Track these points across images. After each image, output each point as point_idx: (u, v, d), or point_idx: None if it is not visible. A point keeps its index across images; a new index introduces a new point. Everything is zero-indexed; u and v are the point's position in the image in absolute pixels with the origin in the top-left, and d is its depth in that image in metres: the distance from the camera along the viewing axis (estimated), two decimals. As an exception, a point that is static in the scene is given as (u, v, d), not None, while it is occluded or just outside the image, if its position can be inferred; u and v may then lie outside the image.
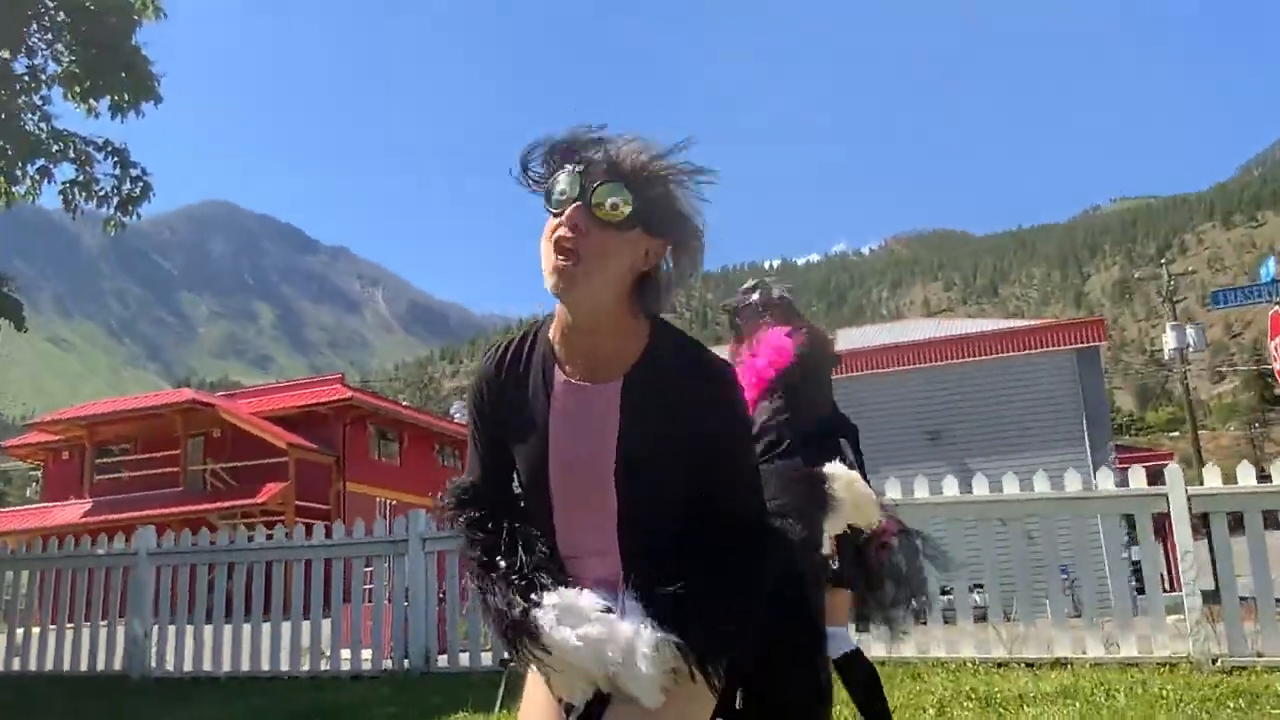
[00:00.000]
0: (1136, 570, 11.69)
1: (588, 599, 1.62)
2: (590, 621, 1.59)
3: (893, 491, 6.34)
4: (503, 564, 1.71)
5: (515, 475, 1.80)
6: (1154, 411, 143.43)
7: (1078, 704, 4.43)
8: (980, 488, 6.69)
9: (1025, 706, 4.33)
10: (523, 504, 1.79)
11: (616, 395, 1.67)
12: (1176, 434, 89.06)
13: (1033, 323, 34.61)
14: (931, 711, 4.55)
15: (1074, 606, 8.18)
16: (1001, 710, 4.44)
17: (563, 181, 1.59)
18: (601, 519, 1.69)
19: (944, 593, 6.77)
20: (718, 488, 1.69)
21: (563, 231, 1.56)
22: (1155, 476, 6.62)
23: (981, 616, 6.82)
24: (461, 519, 1.82)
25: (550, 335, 1.73)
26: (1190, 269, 63.50)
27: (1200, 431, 38.80)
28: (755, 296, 3.67)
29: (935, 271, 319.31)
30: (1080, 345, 26.18)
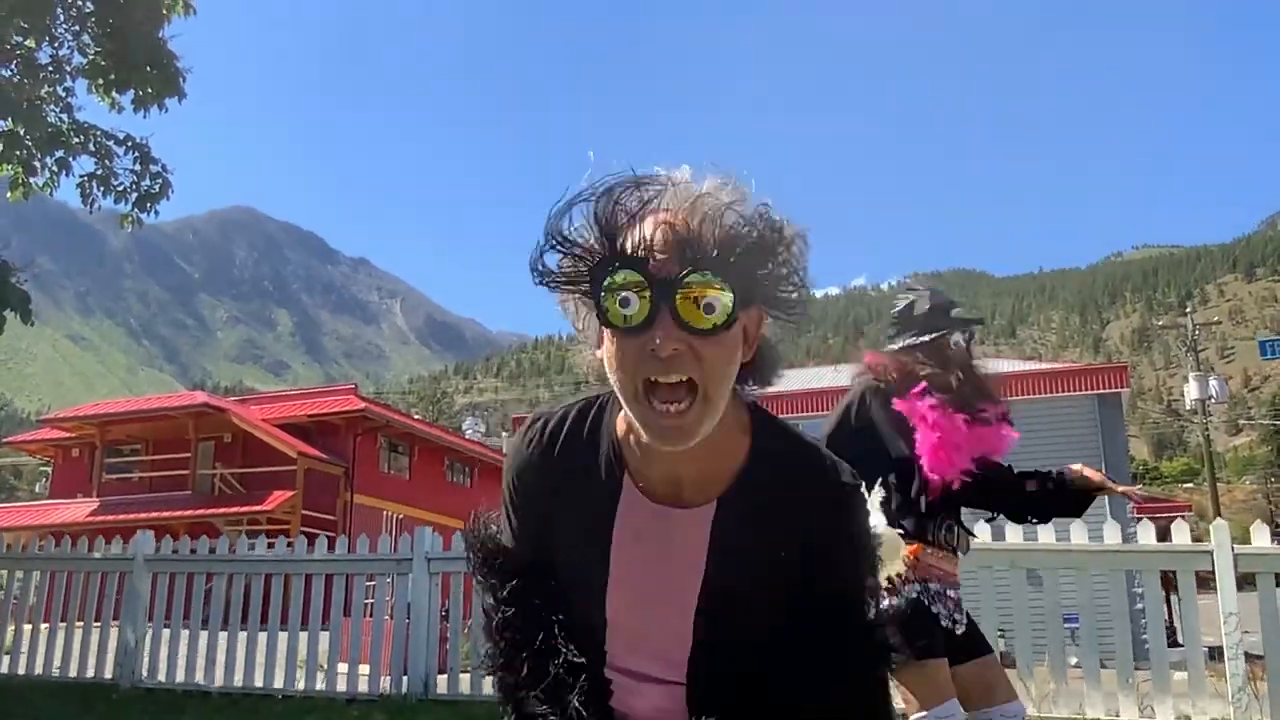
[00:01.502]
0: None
1: None
2: None
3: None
4: (532, 679, 1.40)
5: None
6: (1169, 462, 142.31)
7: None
8: (1014, 535, 6.38)
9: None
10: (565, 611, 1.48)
11: (707, 525, 1.33)
12: (1191, 485, 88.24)
13: (1056, 365, 34.34)
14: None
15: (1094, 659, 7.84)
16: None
17: (629, 292, 1.16)
18: (669, 646, 1.39)
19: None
20: (822, 624, 1.33)
21: (669, 374, 1.16)
22: (1163, 533, 6.32)
23: (1010, 664, 6.49)
24: (493, 581, 1.47)
25: (618, 432, 1.37)
26: (1215, 319, 62.97)
27: (1217, 484, 38.29)
28: (928, 304, 3.21)
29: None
30: (1102, 390, 25.88)
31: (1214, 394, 36.16)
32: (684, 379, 1.16)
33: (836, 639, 1.33)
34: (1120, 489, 3.11)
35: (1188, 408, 43.45)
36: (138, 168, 9.97)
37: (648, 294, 1.15)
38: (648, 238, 1.16)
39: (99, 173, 9.86)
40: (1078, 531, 6.27)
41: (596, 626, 1.41)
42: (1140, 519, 7.18)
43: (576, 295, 1.22)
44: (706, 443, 1.24)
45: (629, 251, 1.16)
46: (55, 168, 9.84)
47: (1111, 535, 6.23)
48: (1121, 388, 27.13)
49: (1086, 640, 6.31)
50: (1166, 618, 6.93)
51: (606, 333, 1.21)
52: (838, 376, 32.97)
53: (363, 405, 32.55)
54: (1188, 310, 44.73)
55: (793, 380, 34.02)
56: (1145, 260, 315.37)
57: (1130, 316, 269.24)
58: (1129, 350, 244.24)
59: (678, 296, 1.14)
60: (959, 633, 2.95)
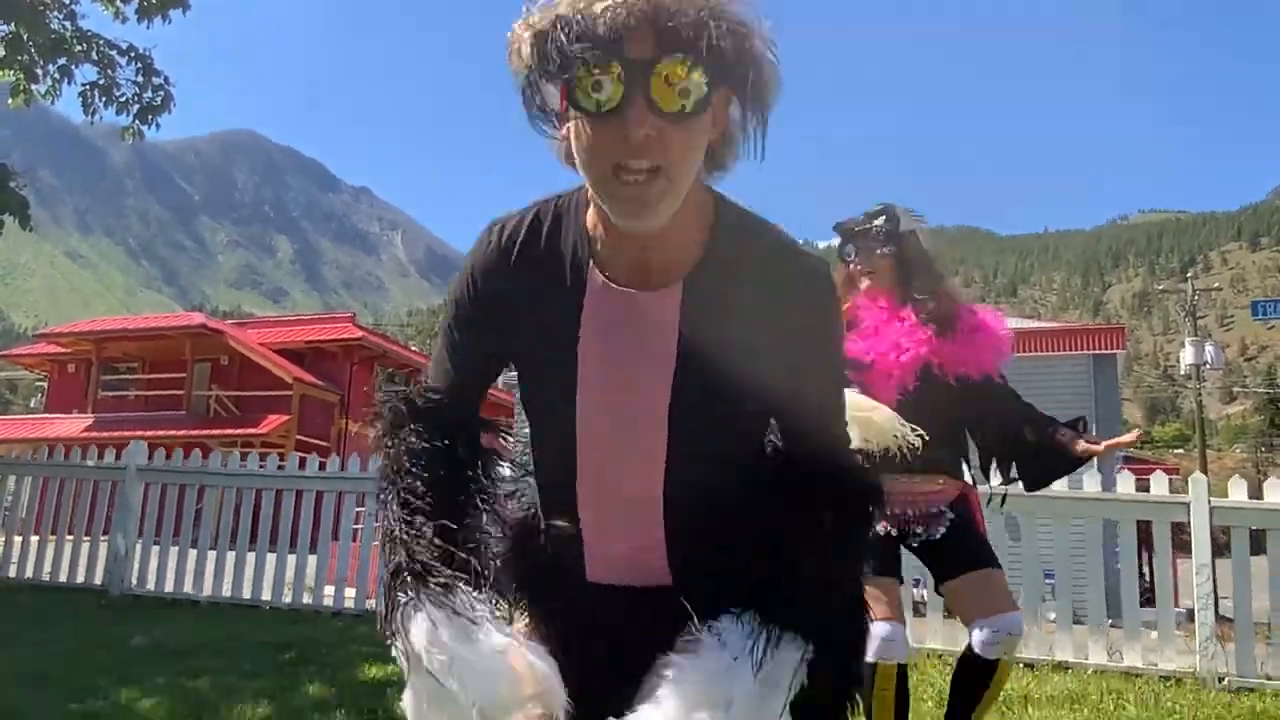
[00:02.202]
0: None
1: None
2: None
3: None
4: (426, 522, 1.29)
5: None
6: (1161, 427, 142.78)
7: (1085, 710, 4.24)
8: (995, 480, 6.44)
9: (1030, 708, 4.13)
10: (530, 442, 1.44)
11: (675, 305, 1.29)
12: (1181, 451, 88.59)
13: (1053, 324, 34.33)
14: (931, 703, 4.36)
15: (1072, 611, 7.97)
16: (1005, 710, 4.24)
17: (601, 75, 1.13)
18: (642, 454, 1.33)
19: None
20: (801, 415, 1.32)
21: (639, 159, 1.14)
22: (1142, 486, 6.39)
23: None
24: (402, 437, 1.39)
25: (586, 225, 1.33)
26: (1215, 286, 62.84)
27: (1206, 451, 38.48)
28: (880, 222, 3.08)
29: (956, 267, 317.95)
30: (1099, 351, 25.93)
31: (1209, 360, 36.18)
32: (653, 165, 1.15)
33: (811, 449, 1.31)
34: (1116, 440, 3.15)
35: (1182, 373, 43.55)
36: (140, 79, 9.87)
37: (620, 77, 1.12)
38: (621, 19, 1.11)
39: (101, 82, 9.77)
40: (1056, 480, 6.35)
41: (565, 447, 1.36)
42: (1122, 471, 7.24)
43: (543, 77, 1.18)
44: (671, 223, 1.22)
45: (601, 33, 1.12)
46: (57, 75, 9.74)
47: (1091, 484, 6.30)
48: (1118, 349, 27.14)
49: (1062, 590, 6.41)
50: (1146, 580, 7.01)
51: (576, 117, 1.18)
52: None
53: (360, 334, 32.53)
54: (1189, 276, 44.66)
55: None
56: (1150, 224, 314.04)
57: (1132, 281, 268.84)
58: (1129, 314, 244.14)
59: (652, 79, 1.12)
60: (937, 538, 2.98)
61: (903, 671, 3.02)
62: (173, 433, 28.31)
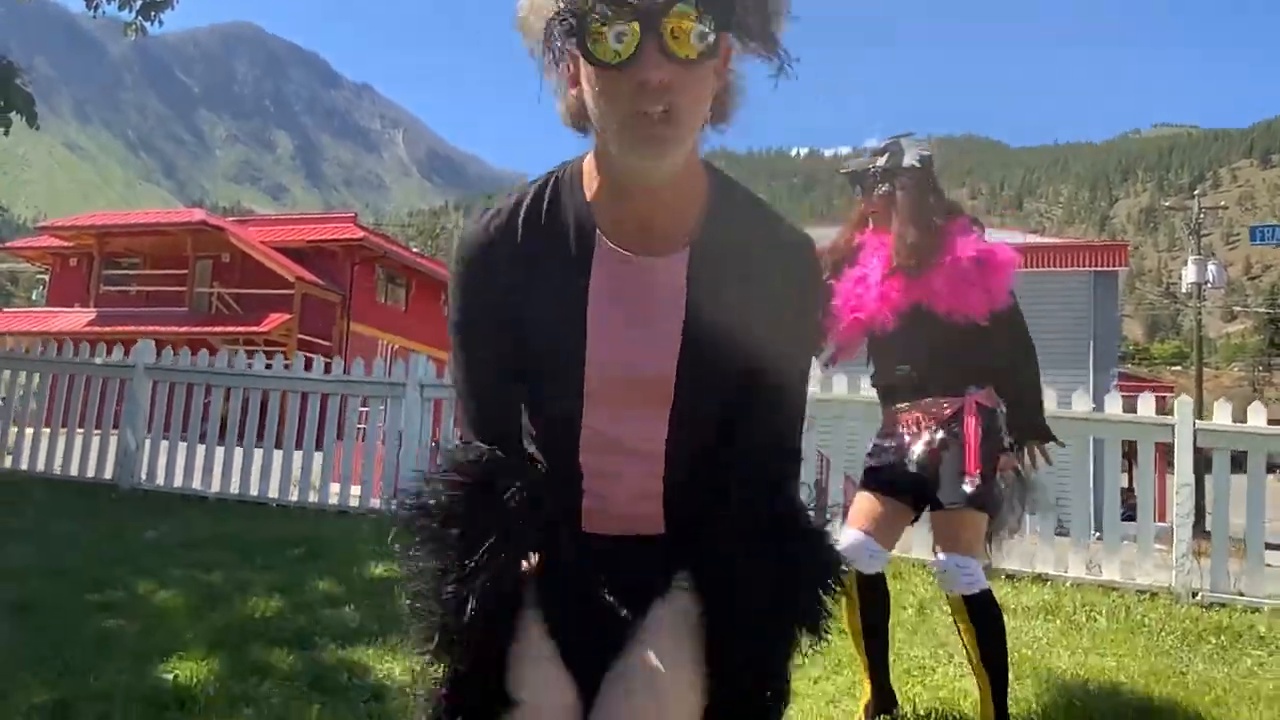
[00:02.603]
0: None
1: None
2: None
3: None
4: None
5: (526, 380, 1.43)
6: (1160, 344, 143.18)
7: (1058, 621, 4.43)
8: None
9: (1006, 617, 4.30)
10: (536, 411, 1.47)
11: (682, 268, 1.36)
12: (1179, 368, 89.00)
13: (1056, 240, 34.22)
14: (911, 611, 4.55)
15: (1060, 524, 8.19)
16: (980, 619, 4.43)
17: (621, 25, 1.18)
18: (647, 417, 1.40)
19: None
20: (776, 382, 1.41)
21: (654, 102, 1.19)
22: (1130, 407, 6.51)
23: None
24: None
25: (587, 193, 1.38)
26: (1221, 204, 62.35)
27: (1204, 369, 38.69)
28: (881, 161, 3.16)
29: (963, 177, 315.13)
30: (1101, 268, 25.94)
31: (1211, 279, 36.21)
32: (673, 106, 1.20)
33: (786, 388, 1.43)
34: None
35: (1184, 291, 43.51)
36: (144, -27, 9.75)
37: (635, 28, 1.17)
38: None
39: (104, -26, 9.65)
40: (1048, 398, 6.48)
41: (573, 411, 1.41)
42: (1130, 397, 7.34)
43: (555, 38, 1.23)
44: (674, 184, 1.31)
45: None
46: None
47: (1081, 404, 6.44)
48: (1120, 266, 27.19)
49: (1044, 505, 6.57)
50: (1131, 495, 7.17)
51: (590, 70, 1.22)
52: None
53: (361, 234, 32.47)
54: (1196, 193, 44.32)
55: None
56: (1161, 139, 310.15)
57: (1140, 196, 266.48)
58: (1134, 230, 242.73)
59: (663, 28, 1.17)
60: (910, 470, 3.08)
61: (871, 580, 3.15)
62: (175, 329, 28.46)
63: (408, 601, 1.38)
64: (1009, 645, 3.09)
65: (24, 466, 8.68)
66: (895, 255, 3.09)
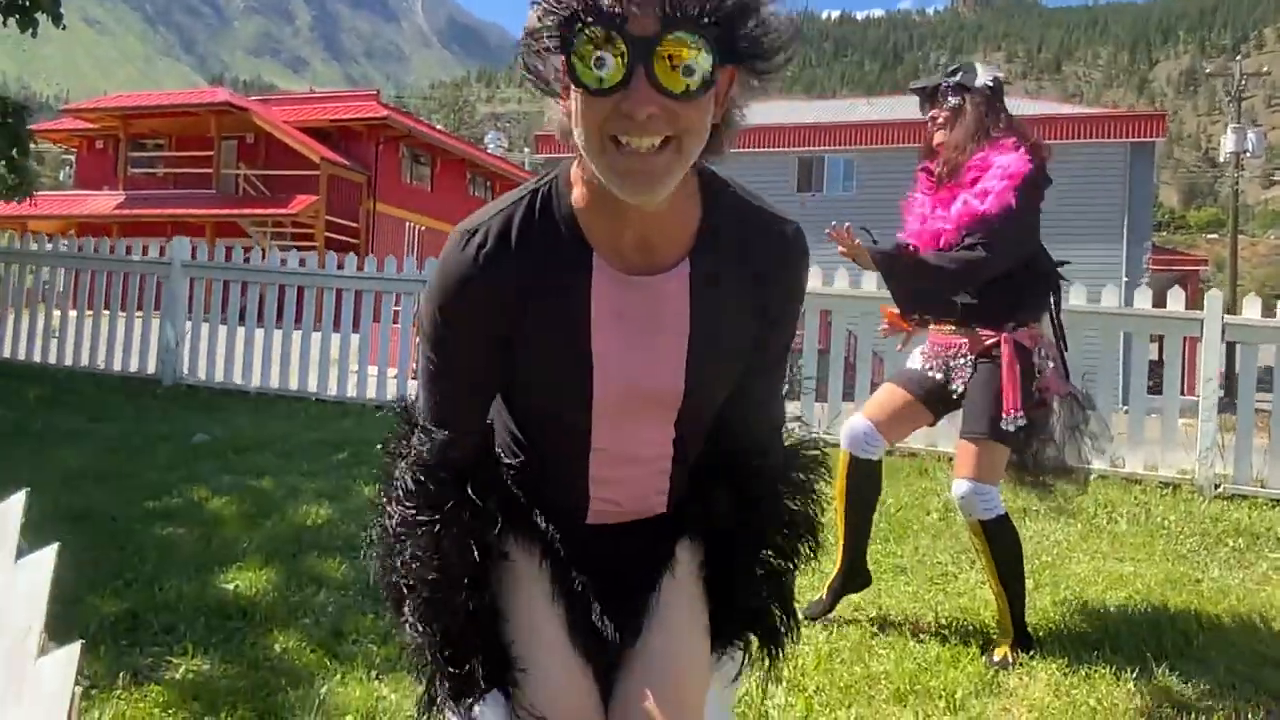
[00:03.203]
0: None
1: None
2: None
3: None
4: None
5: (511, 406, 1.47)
6: (1196, 211, 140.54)
7: (1079, 525, 4.54)
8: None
9: (1028, 520, 4.43)
10: (525, 435, 1.49)
11: (684, 284, 1.34)
12: (1215, 236, 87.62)
13: (1092, 110, 33.41)
14: (935, 515, 4.67)
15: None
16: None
17: (604, 52, 1.11)
18: (655, 426, 1.43)
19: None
20: (767, 377, 1.48)
21: (641, 135, 1.14)
22: (1179, 282, 6.51)
23: None
24: (414, 517, 1.39)
25: (577, 208, 1.33)
26: (1264, 69, 60.42)
27: (1239, 237, 38.12)
28: (949, 81, 3.18)
29: (999, 40, 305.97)
30: (1137, 139, 25.41)
31: (1250, 149, 35.41)
32: (658, 141, 1.15)
33: (778, 378, 1.51)
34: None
35: (1222, 160, 42.59)
36: None
37: (624, 54, 1.10)
38: (626, 5, 1.09)
39: None
40: (1076, 293, 6.50)
41: (580, 430, 1.42)
42: (1148, 273, 7.34)
43: (543, 45, 1.17)
44: (670, 203, 1.26)
45: (604, 6, 1.09)
46: None
47: (1109, 298, 6.45)
48: (1157, 137, 26.62)
49: (1102, 442, 6.62)
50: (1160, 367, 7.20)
51: (576, 92, 1.16)
52: (870, 110, 32.28)
53: (385, 113, 32.13)
54: (1239, 57, 42.97)
55: (823, 111, 33.32)
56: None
57: (1180, 58, 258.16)
58: (1174, 93, 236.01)
59: (655, 58, 1.10)
60: (949, 386, 3.18)
61: (865, 466, 3.27)
62: (205, 211, 28.56)
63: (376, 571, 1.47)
64: (1030, 551, 3.21)
65: (68, 361, 8.90)
66: (942, 163, 3.16)
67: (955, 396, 3.18)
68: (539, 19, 1.15)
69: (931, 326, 3.30)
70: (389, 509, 1.43)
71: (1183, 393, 6.63)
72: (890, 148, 24.75)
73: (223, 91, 35.92)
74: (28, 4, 9.14)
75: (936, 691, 2.73)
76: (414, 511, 1.39)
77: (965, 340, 3.15)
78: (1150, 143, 25.95)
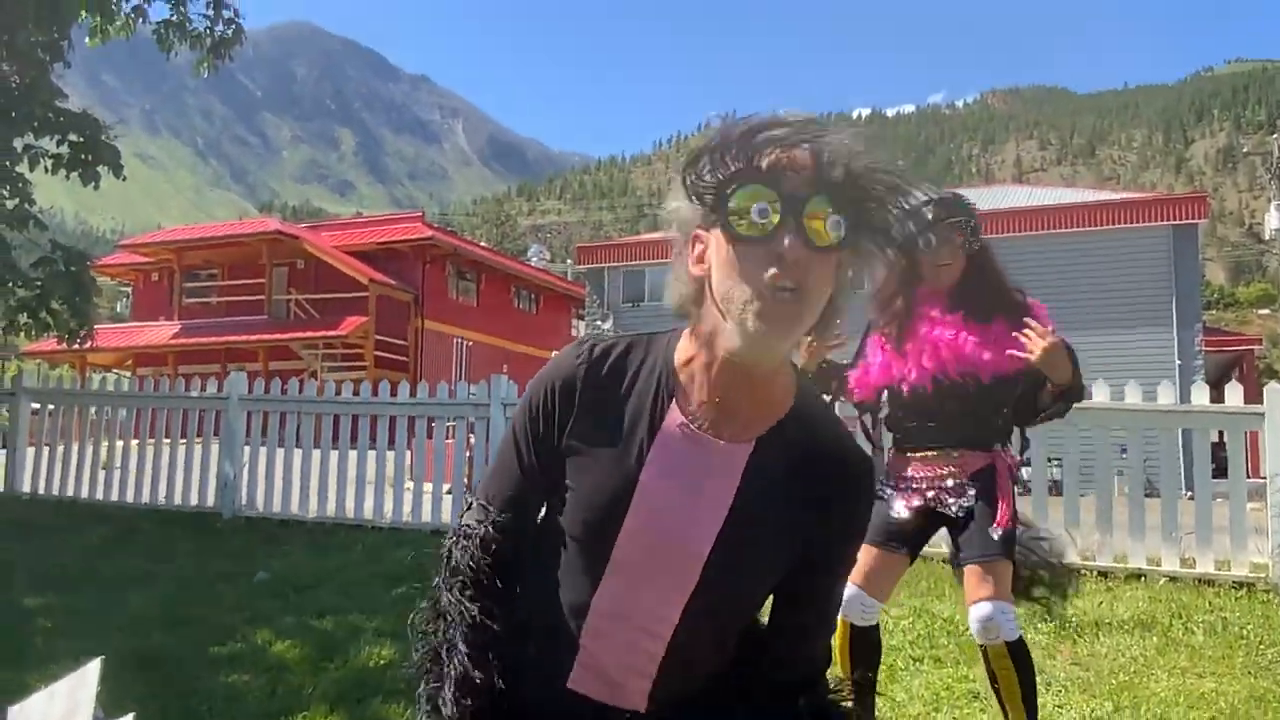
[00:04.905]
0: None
1: None
2: None
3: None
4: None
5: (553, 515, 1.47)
6: (1245, 287, 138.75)
7: (1154, 637, 4.43)
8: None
9: (1101, 635, 4.33)
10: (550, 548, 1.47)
11: (743, 459, 1.37)
12: (1266, 311, 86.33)
13: (1131, 195, 33.35)
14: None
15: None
16: (1077, 636, 4.45)
17: (764, 203, 1.23)
18: (663, 598, 1.40)
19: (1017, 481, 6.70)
20: (806, 601, 1.46)
21: (788, 276, 1.22)
22: (1234, 362, 6.40)
23: (1058, 493, 6.73)
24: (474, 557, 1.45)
25: (676, 360, 1.41)
26: (1303, 143, 60.15)
27: (1293, 314, 37.60)
28: (964, 219, 3.11)
29: (1031, 129, 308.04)
30: (1180, 221, 25.25)
31: (1294, 225, 35.20)
32: (801, 284, 1.23)
33: (820, 608, 1.48)
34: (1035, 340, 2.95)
35: (1267, 237, 42.27)
36: (210, 13, 10.06)
37: (778, 206, 1.22)
38: (784, 159, 1.23)
39: (174, 19, 9.97)
40: (1132, 391, 6.44)
41: (596, 560, 1.41)
42: (1201, 354, 7.22)
43: (694, 226, 1.30)
44: (768, 378, 1.34)
45: (765, 170, 1.24)
46: (132, 14, 9.98)
47: (1165, 396, 6.38)
48: (1199, 219, 26.41)
49: (1134, 486, 6.52)
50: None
51: (726, 244, 1.26)
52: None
53: (430, 233, 32.89)
54: (1277, 134, 42.92)
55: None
56: (1236, 76, 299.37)
57: (1216, 136, 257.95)
58: (1212, 171, 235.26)
59: (804, 213, 1.22)
60: (957, 515, 3.09)
61: (863, 631, 3.19)
62: (257, 337, 29.18)
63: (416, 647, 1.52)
64: (1106, 669, 3.12)
65: (129, 498, 9.06)
66: (998, 309, 3.11)
67: (954, 516, 3.10)
68: (708, 176, 1.26)
69: (909, 454, 3.22)
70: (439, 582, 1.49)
71: (1248, 476, 6.51)
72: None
73: (273, 221, 37.02)
74: (89, 158, 9.58)
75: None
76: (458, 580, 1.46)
77: (954, 466, 3.12)
78: (1194, 225, 25.78)
